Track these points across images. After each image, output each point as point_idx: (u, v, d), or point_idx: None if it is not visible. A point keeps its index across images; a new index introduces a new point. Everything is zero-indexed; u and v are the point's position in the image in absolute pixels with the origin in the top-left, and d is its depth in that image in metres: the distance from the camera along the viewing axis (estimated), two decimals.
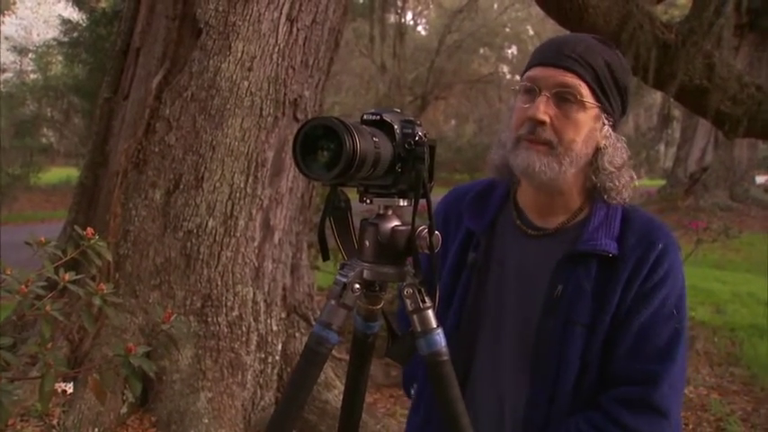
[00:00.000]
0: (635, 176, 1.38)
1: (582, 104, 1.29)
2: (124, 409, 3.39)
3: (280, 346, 3.78)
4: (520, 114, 1.34)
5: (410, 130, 1.14)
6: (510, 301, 1.40)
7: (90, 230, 1.73)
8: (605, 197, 1.36)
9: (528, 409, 1.34)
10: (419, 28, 34.43)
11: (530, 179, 1.35)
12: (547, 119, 1.29)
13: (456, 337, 1.39)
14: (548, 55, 1.33)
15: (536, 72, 1.33)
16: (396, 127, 1.14)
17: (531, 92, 1.32)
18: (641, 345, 1.29)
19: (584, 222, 1.37)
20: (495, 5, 29.80)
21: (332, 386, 3.73)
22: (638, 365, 1.28)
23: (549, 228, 1.40)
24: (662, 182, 22.95)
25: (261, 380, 3.66)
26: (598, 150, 1.34)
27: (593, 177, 1.35)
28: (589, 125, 1.31)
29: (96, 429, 3.18)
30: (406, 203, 1.18)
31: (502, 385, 1.40)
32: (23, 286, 1.57)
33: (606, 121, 1.33)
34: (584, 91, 1.29)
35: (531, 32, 29.56)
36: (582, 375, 1.31)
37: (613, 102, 1.34)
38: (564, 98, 1.29)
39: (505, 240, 1.44)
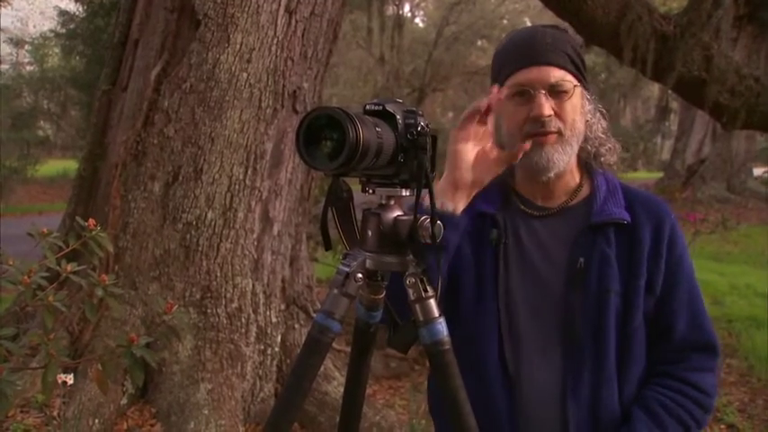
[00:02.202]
0: (615, 141, 1.49)
1: (572, 90, 1.40)
2: (124, 401, 3.40)
3: (279, 338, 3.79)
4: (518, 117, 1.40)
5: (412, 121, 1.15)
6: (527, 279, 1.43)
7: (92, 221, 1.73)
8: (601, 160, 1.47)
9: (569, 380, 1.37)
10: (417, 20, 34.35)
11: (543, 173, 1.41)
12: (552, 112, 1.37)
13: (499, 314, 1.42)
14: (527, 56, 1.40)
15: (524, 75, 1.39)
16: (398, 117, 1.14)
17: (525, 94, 1.39)
18: (695, 315, 1.43)
19: (590, 198, 1.45)
20: None
21: (331, 378, 3.75)
22: (701, 332, 1.43)
23: (553, 207, 1.47)
24: (659, 174, 22.97)
25: (260, 371, 3.68)
26: (587, 123, 1.45)
27: (587, 147, 1.46)
28: (579, 103, 1.42)
29: (96, 420, 3.19)
30: (408, 193, 1.18)
31: (531, 358, 1.41)
32: (26, 277, 1.57)
33: (587, 97, 1.45)
34: (570, 78, 1.40)
35: (529, 24, 29.53)
36: (625, 348, 1.38)
37: (585, 76, 1.46)
38: (558, 91, 1.38)
39: (514, 224, 1.47)
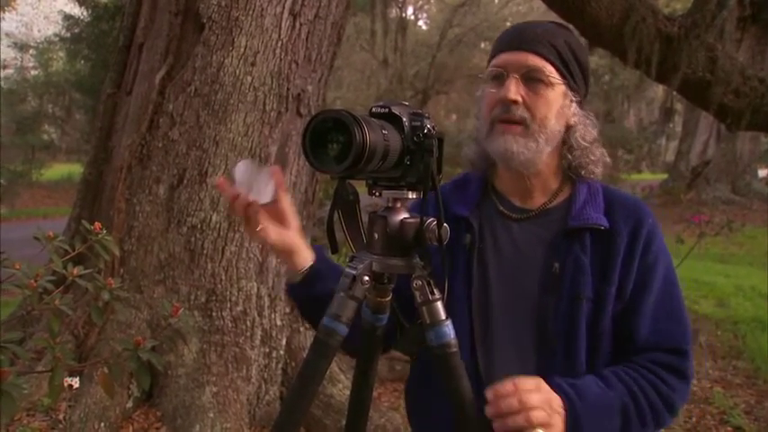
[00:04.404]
0: (605, 153, 1.44)
1: (549, 82, 1.35)
2: (130, 404, 3.40)
3: (284, 341, 3.78)
4: (491, 99, 1.38)
5: (419, 123, 1.14)
6: (503, 282, 1.41)
7: (97, 225, 1.74)
8: (582, 173, 1.42)
9: None
10: (420, 22, 34.41)
11: (508, 162, 1.38)
12: (519, 98, 1.34)
13: (471, 317, 1.40)
14: (511, 41, 1.38)
15: (502, 58, 1.38)
16: (404, 119, 1.14)
17: (500, 77, 1.37)
18: (660, 321, 1.37)
19: (569, 201, 1.42)
20: (497, 0, 29.76)
21: (336, 380, 3.74)
22: (665, 337, 1.36)
23: (532, 209, 1.44)
24: (664, 175, 22.95)
25: (265, 374, 3.67)
26: (569, 128, 1.40)
27: (569, 156, 1.41)
28: (558, 102, 1.37)
29: (102, 424, 3.19)
30: (414, 196, 1.18)
31: (504, 360, 1.38)
32: (32, 281, 1.58)
33: (573, 98, 1.40)
34: (550, 69, 1.35)
35: None
36: (594, 349, 1.35)
37: (577, 79, 1.40)
38: (532, 78, 1.35)
39: (491, 226, 1.45)
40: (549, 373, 1.32)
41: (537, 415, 1.16)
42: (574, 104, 1.40)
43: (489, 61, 1.42)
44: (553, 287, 1.36)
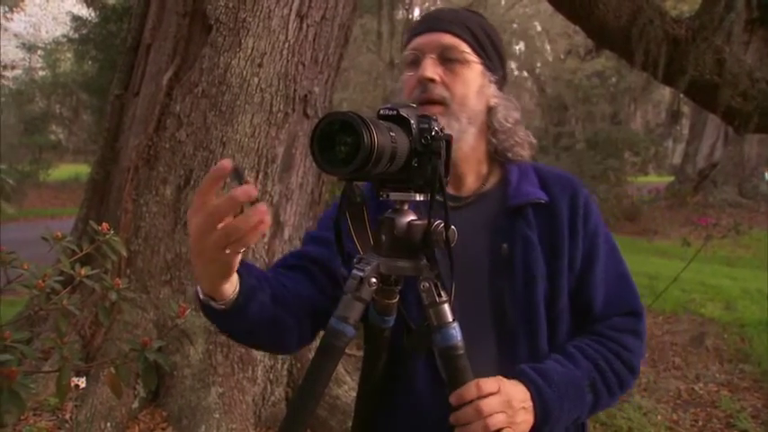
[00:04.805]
0: (530, 134, 1.45)
1: (465, 60, 1.35)
2: (136, 404, 3.41)
3: None
4: (409, 82, 1.37)
5: (426, 125, 1.14)
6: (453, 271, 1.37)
7: (105, 225, 1.74)
8: (509, 155, 1.42)
9: (506, 366, 1.29)
10: None
11: None
12: (436, 77, 1.34)
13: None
14: (425, 24, 1.40)
15: (417, 41, 1.38)
16: (412, 122, 1.14)
17: (416, 60, 1.37)
18: (614, 283, 1.40)
19: (502, 183, 1.42)
20: (503, 1, 29.72)
21: (342, 382, 3.75)
22: (621, 302, 1.40)
23: (467, 196, 1.42)
24: (671, 178, 22.88)
25: (271, 375, 3.68)
26: (491, 110, 1.39)
27: (493, 139, 1.41)
28: (477, 81, 1.37)
29: (108, 424, 3.20)
30: (422, 198, 1.18)
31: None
32: (40, 281, 1.58)
33: (491, 79, 1.39)
34: (465, 47, 1.35)
35: (539, 29, 29.45)
36: (555, 323, 1.35)
37: (493, 59, 1.40)
38: (448, 58, 1.35)
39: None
40: (512, 359, 1.31)
41: (496, 420, 1.16)
42: (492, 86, 1.40)
43: (404, 49, 1.43)
44: (504, 269, 1.34)
